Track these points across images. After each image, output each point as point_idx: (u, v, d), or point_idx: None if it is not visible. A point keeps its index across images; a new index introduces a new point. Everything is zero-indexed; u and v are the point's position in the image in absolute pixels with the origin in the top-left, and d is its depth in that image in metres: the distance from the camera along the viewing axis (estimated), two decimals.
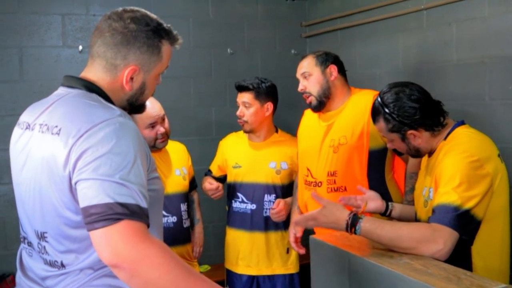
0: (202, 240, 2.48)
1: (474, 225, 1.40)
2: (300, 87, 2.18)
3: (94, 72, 1.19)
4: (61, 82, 1.22)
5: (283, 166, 2.44)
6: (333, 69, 2.14)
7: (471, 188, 1.39)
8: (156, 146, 2.17)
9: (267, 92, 2.41)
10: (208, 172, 2.61)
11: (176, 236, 2.24)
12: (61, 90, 1.20)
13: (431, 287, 1.13)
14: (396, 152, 1.99)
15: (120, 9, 1.20)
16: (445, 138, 1.56)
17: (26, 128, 1.18)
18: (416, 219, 1.64)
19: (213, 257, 3.04)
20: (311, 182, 2.16)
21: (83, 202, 0.99)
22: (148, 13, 1.22)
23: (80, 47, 2.85)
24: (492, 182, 1.43)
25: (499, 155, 1.52)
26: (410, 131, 1.57)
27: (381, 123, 1.62)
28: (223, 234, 2.59)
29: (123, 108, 1.20)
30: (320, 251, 1.55)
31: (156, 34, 1.19)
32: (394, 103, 1.57)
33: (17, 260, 1.25)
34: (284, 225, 2.42)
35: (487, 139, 1.55)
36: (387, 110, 1.58)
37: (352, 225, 1.41)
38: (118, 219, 0.96)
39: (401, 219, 1.74)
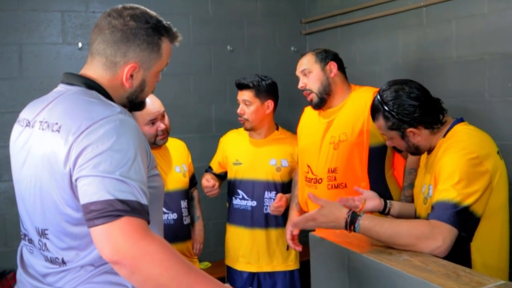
0: (202, 237, 2.49)
1: (473, 222, 1.41)
2: (300, 84, 2.18)
3: (94, 70, 1.19)
4: (60, 79, 1.22)
5: (283, 164, 2.45)
6: (333, 66, 2.14)
7: (470, 185, 1.39)
8: (156, 143, 2.18)
9: (267, 90, 2.41)
10: (209, 169, 2.61)
11: (176, 233, 2.25)
12: (61, 88, 1.20)
13: (430, 283, 1.13)
14: (396, 149, 2.00)
15: (119, 6, 1.20)
16: (444, 136, 1.56)
17: (26, 125, 1.18)
18: (416, 217, 1.65)
19: (214, 254, 3.04)
20: (312, 179, 2.17)
21: (84, 199, 0.99)
22: (148, 10, 1.22)
23: (80, 44, 2.85)
24: (491, 179, 1.43)
25: (498, 152, 1.52)
26: (409, 129, 1.57)
27: (381, 120, 1.62)
28: (223, 231, 2.59)
29: (123, 105, 1.20)
30: (320, 248, 1.56)
31: (155, 31, 1.19)
32: (393, 101, 1.57)
33: (18, 257, 1.25)
34: (284, 222, 2.42)
35: (486, 136, 1.56)
36: (386, 108, 1.58)
37: (351, 223, 1.41)
38: (119, 216, 0.96)
39: (400, 217, 1.74)
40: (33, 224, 1.15)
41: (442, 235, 1.32)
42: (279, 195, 2.37)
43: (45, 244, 1.12)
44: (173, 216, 2.26)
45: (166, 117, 2.22)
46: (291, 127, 2.64)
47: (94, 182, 0.98)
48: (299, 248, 2.23)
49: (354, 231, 1.41)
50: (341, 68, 2.19)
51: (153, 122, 2.13)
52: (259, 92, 2.40)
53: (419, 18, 2.50)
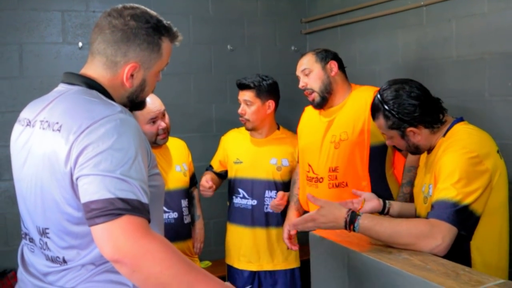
0: (202, 236, 2.49)
1: (473, 221, 1.41)
2: (301, 84, 2.18)
3: (94, 69, 1.19)
4: (61, 79, 1.22)
5: (284, 163, 2.45)
6: (333, 65, 2.15)
7: (470, 183, 1.39)
8: (157, 142, 2.18)
9: (268, 90, 2.41)
10: (209, 167, 2.61)
11: (177, 232, 2.25)
12: (61, 87, 1.20)
13: (429, 282, 1.13)
14: (396, 147, 2.00)
15: (120, 6, 1.20)
16: (444, 135, 1.57)
17: (27, 124, 1.18)
18: (416, 216, 1.65)
19: (214, 253, 3.05)
20: (313, 178, 2.17)
21: (84, 198, 1.00)
22: (148, 10, 1.22)
23: (80, 44, 2.85)
24: (491, 178, 1.43)
25: (498, 151, 1.53)
26: (409, 128, 1.58)
27: (381, 120, 1.62)
28: (224, 230, 2.60)
29: (124, 105, 1.20)
30: (320, 247, 1.56)
31: (156, 31, 1.19)
32: (394, 100, 1.57)
33: (19, 256, 1.25)
34: (285, 221, 2.43)
35: (486, 135, 1.56)
36: (386, 107, 1.58)
37: (350, 223, 1.41)
38: (119, 214, 0.97)
39: (400, 217, 1.74)
40: (34, 223, 1.15)
41: (442, 234, 1.33)
42: (281, 193, 2.36)
43: (46, 243, 1.13)
44: (174, 215, 2.26)
45: (167, 116, 2.22)
46: (291, 126, 2.64)
47: (95, 181, 0.99)
48: (296, 248, 2.24)
49: (354, 230, 1.41)
50: (341, 67, 2.19)
51: (154, 121, 2.14)
52: (260, 92, 2.40)
53: (419, 17, 2.50)
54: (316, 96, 2.15)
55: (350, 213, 1.43)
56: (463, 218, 1.37)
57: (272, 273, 2.47)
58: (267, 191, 2.43)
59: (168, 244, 1.01)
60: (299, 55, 2.31)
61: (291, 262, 2.47)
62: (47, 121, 1.11)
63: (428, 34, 2.46)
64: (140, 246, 0.96)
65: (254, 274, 2.48)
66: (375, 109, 1.63)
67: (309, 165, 2.20)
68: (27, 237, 1.20)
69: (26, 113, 1.22)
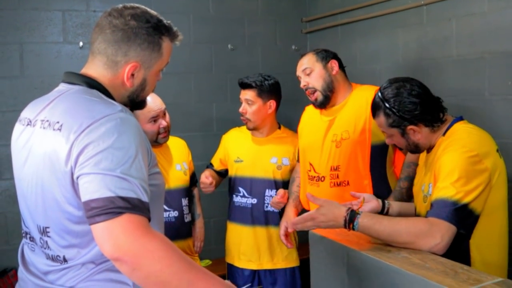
0: (203, 235, 2.50)
1: (472, 220, 1.41)
2: (302, 83, 2.18)
3: (95, 69, 1.20)
4: (61, 78, 1.22)
5: (284, 162, 2.45)
6: (334, 64, 2.15)
7: (469, 182, 1.39)
8: (157, 141, 2.19)
9: (270, 90, 2.41)
10: (210, 166, 2.62)
11: (177, 231, 2.26)
12: (62, 87, 1.20)
13: (428, 281, 1.14)
14: (397, 145, 2.00)
15: (120, 5, 1.21)
16: (444, 134, 1.57)
17: (28, 124, 1.18)
18: (416, 215, 1.65)
19: (214, 251, 3.05)
20: (314, 177, 2.18)
21: (85, 196, 1.00)
22: (148, 9, 1.22)
23: (81, 43, 2.86)
24: (490, 177, 1.44)
25: (497, 150, 1.53)
26: (410, 127, 1.58)
27: (381, 118, 1.62)
28: (224, 229, 2.60)
29: (124, 104, 1.21)
30: (320, 245, 1.56)
31: (156, 30, 1.20)
32: (394, 98, 1.58)
33: (19, 255, 1.26)
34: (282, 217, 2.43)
35: (485, 134, 1.56)
36: (387, 105, 1.59)
37: (350, 221, 1.42)
38: (120, 213, 0.97)
39: (400, 216, 1.74)
40: (34, 222, 1.15)
41: (441, 232, 1.33)
42: (282, 190, 2.36)
43: (46, 242, 1.13)
44: (174, 214, 2.27)
45: (167, 115, 2.23)
46: (291, 125, 2.64)
47: (95, 179, 0.99)
48: (291, 246, 2.26)
49: (353, 229, 1.42)
50: (341, 67, 2.19)
51: (155, 119, 2.14)
52: (261, 92, 2.40)
53: (419, 16, 2.50)
54: (318, 95, 2.15)
55: (349, 211, 1.43)
56: (462, 217, 1.37)
57: (272, 271, 2.47)
58: (267, 190, 2.43)
59: (168, 243, 1.01)
60: (300, 54, 2.31)
61: (291, 261, 2.48)
62: (47, 121, 1.11)
63: (428, 33, 2.46)
64: (140, 244, 0.97)
65: (254, 273, 2.48)
66: (376, 107, 1.64)
67: (311, 164, 2.20)
68: (28, 236, 1.21)
69: (26, 113, 1.22)
